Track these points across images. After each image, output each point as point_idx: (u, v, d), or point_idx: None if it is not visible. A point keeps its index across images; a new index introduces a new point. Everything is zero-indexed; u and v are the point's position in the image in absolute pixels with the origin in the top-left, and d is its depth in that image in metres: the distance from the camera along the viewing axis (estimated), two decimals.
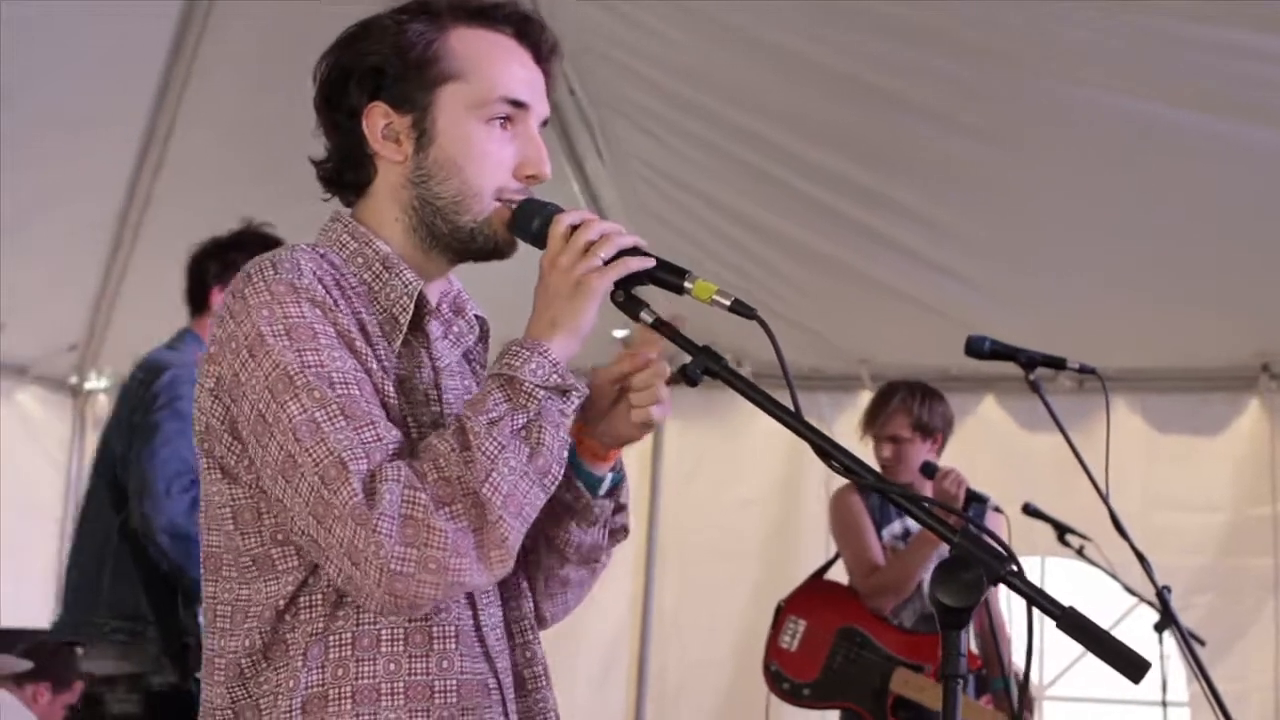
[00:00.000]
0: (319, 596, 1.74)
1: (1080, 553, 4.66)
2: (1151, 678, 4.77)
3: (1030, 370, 3.56)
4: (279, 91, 6.53)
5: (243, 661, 1.75)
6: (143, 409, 3.47)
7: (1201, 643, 4.99)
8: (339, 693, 1.71)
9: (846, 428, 7.04)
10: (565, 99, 6.00)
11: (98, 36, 6.07)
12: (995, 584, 1.55)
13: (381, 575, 1.58)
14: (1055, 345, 3.64)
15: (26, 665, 5.12)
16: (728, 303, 1.74)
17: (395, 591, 1.60)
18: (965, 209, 6.01)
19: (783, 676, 4.85)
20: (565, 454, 1.71)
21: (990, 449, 6.46)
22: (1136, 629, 4.98)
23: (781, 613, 4.94)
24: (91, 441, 8.46)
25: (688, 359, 1.75)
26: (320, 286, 1.72)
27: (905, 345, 6.73)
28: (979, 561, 1.53)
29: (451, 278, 1.98)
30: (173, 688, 3.31)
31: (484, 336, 2.02)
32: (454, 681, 1.75)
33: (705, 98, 5.85)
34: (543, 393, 1.68)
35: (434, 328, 1.89)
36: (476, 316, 2.01)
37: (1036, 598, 1.55)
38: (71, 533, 3.78)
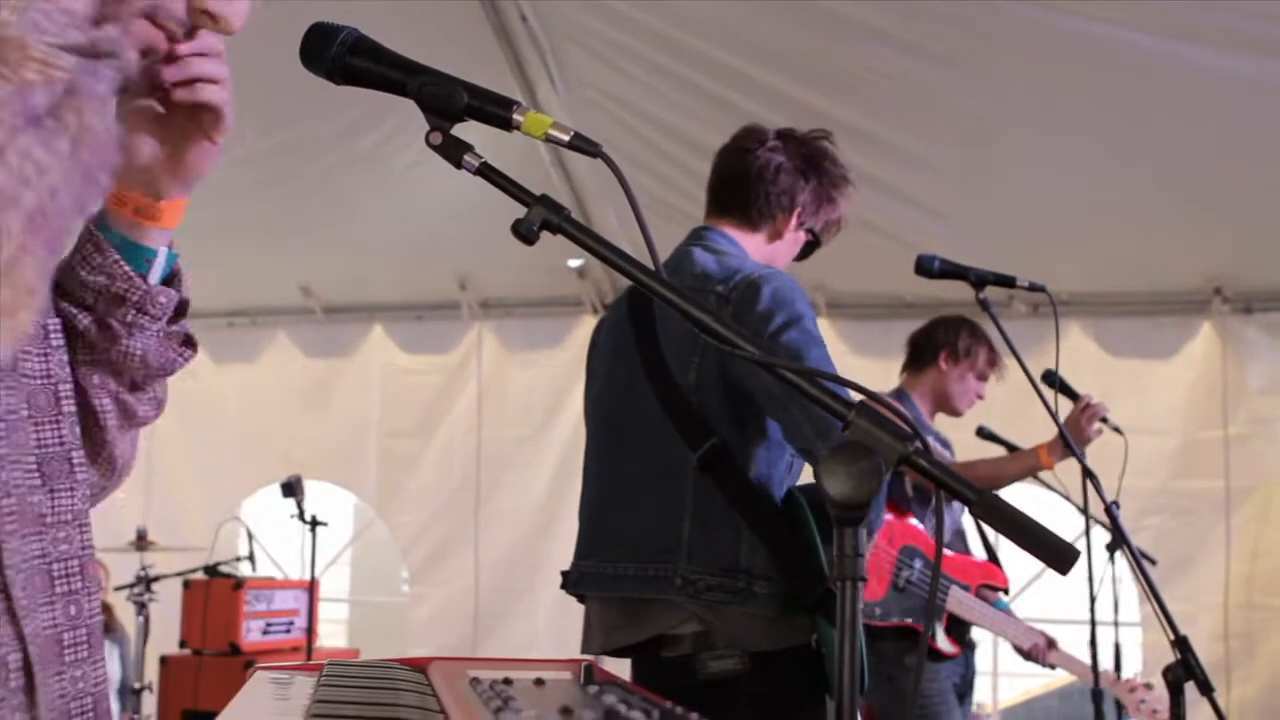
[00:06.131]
0: None
1: (1035, 475, 4.69)
2: (1104, 599, 4.82)
3: (980, 289, 3.55)
4: None
5: None
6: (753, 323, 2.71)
7: (1153, 561, 5.06)
8: None
9: None
10: (517, 25, 5.91)
11: None
12: (897, 466, 1.34)
13: None
14: (1011, 270, 3.63)
15: None
16: (566, 137, 1.47)
17: None
18: (922, 134, 5.99)
19: None
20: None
21: None
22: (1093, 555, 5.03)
23: None
24: None
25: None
26: None
27: (861, 272, 6.73)
28: (876, 442, 1.33)
29: None
30: (726, 674, 2.67)
31: None
32: None
33: (661, 23, 5.77)
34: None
35: None
36: None
37: (947, 480, 1.36)
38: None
